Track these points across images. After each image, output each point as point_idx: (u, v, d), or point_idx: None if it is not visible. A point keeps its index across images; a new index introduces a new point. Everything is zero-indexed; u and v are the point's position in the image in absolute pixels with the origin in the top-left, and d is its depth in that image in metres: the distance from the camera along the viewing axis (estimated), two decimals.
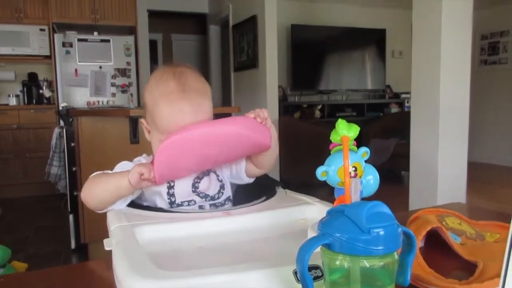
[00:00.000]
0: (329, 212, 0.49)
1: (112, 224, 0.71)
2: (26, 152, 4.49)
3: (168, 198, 0.87)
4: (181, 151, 0.79)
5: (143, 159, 0.93)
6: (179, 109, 0.83)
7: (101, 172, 0.86)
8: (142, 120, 0.94)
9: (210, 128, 0.79)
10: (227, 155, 0.87)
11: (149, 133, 0.92)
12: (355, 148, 0.65)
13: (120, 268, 0.55)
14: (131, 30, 4.97)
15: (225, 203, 0.92)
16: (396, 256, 0.46)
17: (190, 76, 0.88)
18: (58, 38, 4.54)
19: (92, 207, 0.82)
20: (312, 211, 0.80)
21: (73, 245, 2.82)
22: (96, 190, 0.82)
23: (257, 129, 0.82)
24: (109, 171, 0.87)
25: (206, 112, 0.86)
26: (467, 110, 2.49)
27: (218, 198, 0.91)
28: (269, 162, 0.92)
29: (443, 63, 2.39)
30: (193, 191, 0.89)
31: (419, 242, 0.65)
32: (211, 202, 0.90)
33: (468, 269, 0.61)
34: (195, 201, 0.89)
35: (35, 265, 2.33)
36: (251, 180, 0.97)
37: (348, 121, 0.64)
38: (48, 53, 4.65)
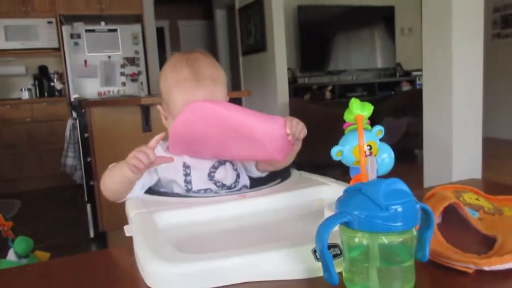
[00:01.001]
0: (346, 191, 0.49)
1: (131, 211, 0.72)
2: (41, 145, 4.55)
3: (185, 186, 0.88)
4: (201, 119, 0.79)
5: (159, 146, 0.93)
6: (193, 98, 0.82)
7: (114, 164, 0.86)
8: (159, 107, 0.95)
9: (236, 114, 0.78)
10: (240, 150, 0.86)
11: (166, 119, 0.93)
12: (369, 127, 0.65)
13: (142, 253, 0.56)
14: (138, 18, 4.96)
15: (241, 189, 0.93)
16: (415, 232, 0.46)
17: (203, 63, 0.87)
18: (66, 30, 4.55)
19: (111, 199, 0.84)
20: (327, 191, 0.81)
21: (92, 234, 2.87)
22: (109, 183, 0.83)
23: (279, 144, 0.80)
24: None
25: (220, 100, 0.86)
26: (481, 84, 2.45)
27: (235, 187, 0.92)
28: (280, 166, 0.92)
29: (455, 38, 2.35)
30: (210, 179, 0.90)
31: (436, 218, 0.65)
32: (228, 191, 0.91)
33: (486, 243, 0.61)
34: (211, 190, 0.90)
35: (57, 254, 2.39)
36: (263, 174, 0.97)
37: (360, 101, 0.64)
38: (57, 46, 4.67)
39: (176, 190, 0.89)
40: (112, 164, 0.87)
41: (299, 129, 0.81)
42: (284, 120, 0.81)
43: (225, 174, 0.91)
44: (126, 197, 0.82)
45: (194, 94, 0.83)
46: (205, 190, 0.89)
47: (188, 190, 0.89)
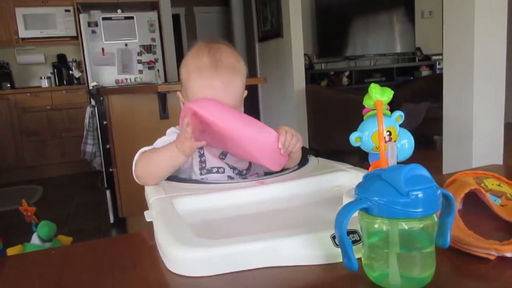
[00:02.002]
0: (365, 177, 0.49)
1: (151, 197, 0.73)
2: (61, 132, 4.64)
3: (199, 164, 0.91)
4: (199, 120, 0.80)
5: (175, 129, 0.96)
6: (210, 85, 0.84)
7: (146, 149, 0.88)
8: (179, 93, 0.96)
9: (228, 122, 0.78)
10: (240, 153, 0.88)
11: (183, 105, 0.94)
12: (389, 112, 0.64)
13: (163, 238, 0.57)
14: (154, 6, 4.96)
15: (254, 177, 0.94)
16: (436, 218, 0.46)
17: (225, 52, 0.88)
18: (83, 18, 4.58)
19: (148, 182, 0.83)
20: (345, 177, 0.80)
21: (111, 220, 2.93)
22: (153, 166, 0.83)
23: (270, 156, 0.81)
24: (151, 148, 0.89)
25: (236, 89, 0.87)
26: (503, 69, 2.39)
27: (246, 174, 0.93)
28: (287, 166, 0.90)
29: (477, 20, 2.28)
30: (221, 159, 0.92)
31: (457, 205, 0.64)
32: (240, 176, 0.92)
33: (509, 230, 0.60)
34: (223, 169, 0.92)
35: (79, 239, 2.45)
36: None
37: None
38: (74, 34, 4.72)
39: (192, 170, 0.91)
40: (140, 150, 0.87)
41: (293, 143, 0.81)
42: (278, 133, 0.81)
43: (236, 160, 0.93)
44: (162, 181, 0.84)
45: (211, 80, 0.84)
46: (218, 169, 0.91)
47: (202, 168, 0.91)
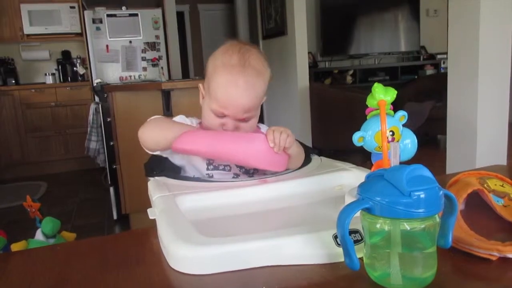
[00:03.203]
0: (368, 177, 0.49)
1: (154, 194, 0.74)
2: (66, 128, 4.66)
3: (207, 159, 0.92)
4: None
5: (194, 120, 0.99)
6: (234, 82, 0.86)
7: (161, 116, 0.92)
8: (200, 85, 0.98)
9: (216, 146, 0.80)
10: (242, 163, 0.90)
11: (203, 99, 0.96)
12: (392, 112, 0.64)
13: (166, 236, 0.58)
14: (158, 3, 4.96)
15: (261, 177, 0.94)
16: (438, 219, 0.46)
17: (254, 55, 0.90)
18: (88, 14, 4.59)
19: (146, 146, 0.89)
20: (348, 177, 0.81)
21: (115, 216, 2.95)
22: (158, 133, 0.87)
23: (268, 159, 0.81)
24: (168, 119, 0.93)
25: (257, 93, 0.89)
26: (508, 68, 2.37)
27: (254, 173, 0.94)
28: (292, 168, 0.89)
29: (482, 19, 2.27)
30: None
31: (460, 205, 0.65)
32: (247, 175, 0.93)
33: (511, 230, 0.60)
34: (230, 167, 0.93)
35: (82, 235, 2.46)
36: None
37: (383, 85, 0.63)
38: (79, 31, 4.73)
39: (199, 166, 0.92)
40: (156, 116, 0.92)
41: (283, 138, 0.80)
42: (265, 134, 0.81)
43: None
44: (158, 152, 0.90)
45: (236, 78, 0.86)
46: (225, 166, 0.93)
47: (209, 164, 0.92)
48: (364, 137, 0.63)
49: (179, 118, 0.97)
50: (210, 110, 0.90)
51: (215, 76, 0.88)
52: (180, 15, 6.46)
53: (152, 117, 0.92)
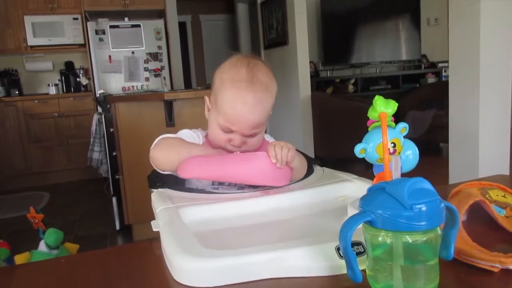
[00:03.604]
0: (370, 190, 0.49)
1: (158, 206, 0.74)
2: (68, 139, 4.68)
3: None
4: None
5: (200, 133, 0.99)
6: (242, 98, 0.85)
7: (170, 136, 0.92)
8: (206, 97, 0.98)
9: (219, 170, 0.82)
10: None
11: (208, 111, 0.96)
12: (393, 124, 0.65)
13: (169, 248, 0.58)
14: (161, 14, 5.01)
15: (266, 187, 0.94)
16: (439, 231, 0.46)
17: (261, 70, 0.90)
18: (91, 26, 4.64)
19: (161, 167, 0.88)
20: (350, 188, 0.81)
21: (117, 226, 2.94)
22: (171, 154, 0.86)
23: (270, 175, 0.81)
24: (174, 136, 0.93)
25: (265, 108, 0.89)
26: (510, 76, 2.38)
27: (258, 186, 0.94)
28: (296, 178, 0.89)
29: (483, 27, 2.29)
30: None
31: (461, 216, 0.65)
32: (251, 187, 0.92)
33: None
34: None
35: (85, 245, 2.46)
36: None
37: (383, 94, 0.63)
38: (82, 42, 4.77)
39: (204, 181, 0.92)
40: (164, 135, 0.91)
41: (284, 152, 0.80)
42: (267, 150, 0.81)
43: None
44: (171, 172, 0.88)
45: (243, 93, 0.86)
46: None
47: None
48: (366, 149, 0.63)
49: (184, 133, 0.96)
50: (217, 124, 0.90)
51: (222, 91, 0.88)
52: (182, 26, 6.52)
53: (161, 137, 0.91)
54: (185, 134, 0.96)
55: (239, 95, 0.86)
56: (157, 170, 0.90)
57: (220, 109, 0.88)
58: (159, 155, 0.88)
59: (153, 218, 0.72)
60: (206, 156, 0.86)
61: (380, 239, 0.46)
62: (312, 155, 4.27)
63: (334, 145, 4.25)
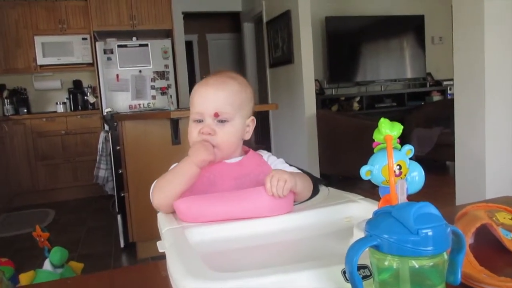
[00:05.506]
0: (375, 213, 0.49)
1: (164, 227, 0.74)
2: (75, 156, 4.71)
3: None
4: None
5: None
6: (205, 82, 0.91)
7: (160, 178, 0.88)
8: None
9: (220, 208, 0.79)
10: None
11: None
12: (399, 146, 0.65)
13: (175, 270, 0.58)
14: (168, 33, 5.09)
15: None
16: (446, 256, 0.46)
17: (228, 73, 0.94)
18: (99, 45, 4.71)
19: (167, 204, 0.83)
20: (356, 209, 0.81)
21: (122, 244, 2.94)
22: (167, 186, 0.84)
23: (270, 206, 0.79)
24: (168, 174, 0.90)
25: (231, 91, 0.90)
26: None
27: None
28: (301, 200, 0.88)
29: (487, 45, 2.30)
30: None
31: (468, 239, 0.64)
32: None
33: None
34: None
35: (89, 264, 2.45)
36: None
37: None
38: (90, 61, 4.85)
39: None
40: (155, 182, 0.88)
41: (280, 185, 0.78)
42: (264, 184, 0.80)
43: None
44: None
45: (206, 80, 0.91)
46: None
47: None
48: (372, 171, 0.64)
49: (173, 165, 0.93)
50: (191, 122, 0.92)
51: (192, 99, 0.92)
52: (188, 44, 6.60)
53: (152, 186, 0.88)
54: (174, 165, 0.93)
55: (204, 83, 0.91)
56: (166, 212, 0.85)
57: (191, 103, 0.92)
58: (160, 200, 0.84)
59: (158, 236, 0.73)
60: (202, 197, 0.82)
61: (386, 263, 0.46)
62: (317, 173, 4.26)
63: (339, 163, 4.24)
